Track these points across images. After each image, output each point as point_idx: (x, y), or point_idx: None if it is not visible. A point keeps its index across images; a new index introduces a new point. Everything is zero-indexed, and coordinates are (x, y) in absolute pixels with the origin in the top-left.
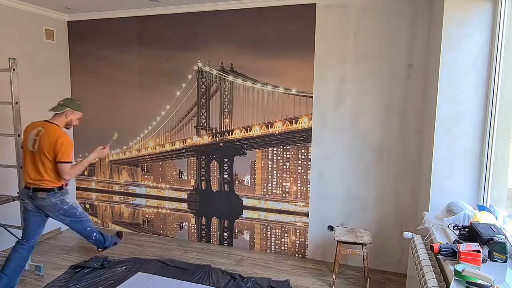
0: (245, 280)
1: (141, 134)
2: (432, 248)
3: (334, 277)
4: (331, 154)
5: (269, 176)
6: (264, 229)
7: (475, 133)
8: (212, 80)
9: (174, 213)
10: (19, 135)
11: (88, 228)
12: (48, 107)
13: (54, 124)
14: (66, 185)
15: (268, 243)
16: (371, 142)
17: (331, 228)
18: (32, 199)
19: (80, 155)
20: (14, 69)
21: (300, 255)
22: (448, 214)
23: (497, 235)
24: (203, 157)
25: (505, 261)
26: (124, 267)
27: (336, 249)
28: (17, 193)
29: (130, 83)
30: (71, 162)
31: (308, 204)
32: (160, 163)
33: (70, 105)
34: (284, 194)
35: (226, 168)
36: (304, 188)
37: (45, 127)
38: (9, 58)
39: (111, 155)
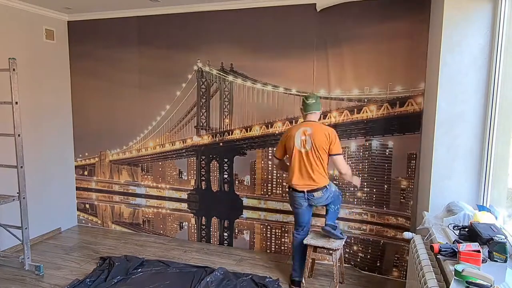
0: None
1: (141, 134)
2: (432, 248)
3: (303, 281)
4: None
5: (269, 176)
6: (264, 229)
7: (475, 133)
8: (212, 80)
9: (174, 213)
10: (19, 135)
11: (338, 210)
12: (48, 107)
13: (315, 122)
14: None
15: (268, 243)
16: None
17: (334, 227)
18: (308, 200)
19: (80, 155)
20: (14, 69)
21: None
22: (448, 214)
23: (497, 235)
24: (203, 157)
25: (505, 261)
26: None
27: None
28: (17, 193)
29: (130, 83)
30: (342, 155)
31: None
32: (160, 163)
33: (319, 103)
34: (284, 194)
35: (226, 168)
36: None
37: (309, 126)
38: (9, 58)
39: (111, 155)
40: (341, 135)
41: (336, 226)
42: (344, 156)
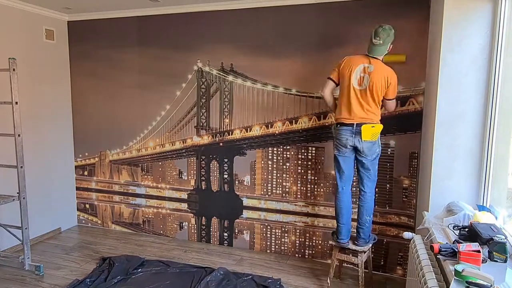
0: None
1: (141, 134)
2: (432, 248)
3: (329, 282)
4: None
5: (269, 176)
6: (264, 229)
7: (475, 133)
8: (212, 80)
9: (174, 213)
10: (19, 135)
11: (376, 188)
12: (48, 107)
13: (378, 59)
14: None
15: (268, 243)
16: None
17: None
18: (355, 138)
19: (80, 155)
20: (14, 69)
21: (300, 255)
22: (448, 214)
23: (497, 235)
24: (203, 157)
25: (505, 261)
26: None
27: (332, 254)
28: (17, 193)
29: (130, 83)
30: (395, 99)
31: (308, 204)
32: (160, 163)
33: (388, 40)
34: (284, 194)
35: (226, 168)
36: (304, 188)
37: (372, 63)
38: (9, 58)
39: (111, 155)
40: None
41: (373, 237)
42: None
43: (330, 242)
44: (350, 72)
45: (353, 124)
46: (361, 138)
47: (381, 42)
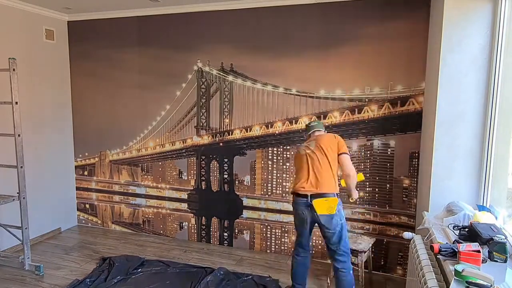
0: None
1: (141, 134)
2: (432, 248)
3: (328, 281)
4: None
5: (269, 176)
6: (264, 229)
7: (475, 133)
8: (212, 80)
9: (174, 213)
10: (19, 135)
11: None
12: (48, 107)
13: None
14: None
15: (268, 243)
16: None
17: None
18: (311, 210)
19: (80, 155)
20: (14, 69)
21: None
22: (448, 214)
23: (497, 235)
24: (203, 157)
25: (505, 261)
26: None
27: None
28: (17, 193)
29: (130, 83)
30: (348, 154)
31: None
32: (160, 163)
33: (321, 122)
34: (284, 194)
35: (226, 168)
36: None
37: (312, 139)
38: (9, 58)
39: (111, 155)
40: (342, 135)
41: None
42: None
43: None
44: (299, 153)
45: (307, 196)
46: (316, 212)
47: (316, 123)
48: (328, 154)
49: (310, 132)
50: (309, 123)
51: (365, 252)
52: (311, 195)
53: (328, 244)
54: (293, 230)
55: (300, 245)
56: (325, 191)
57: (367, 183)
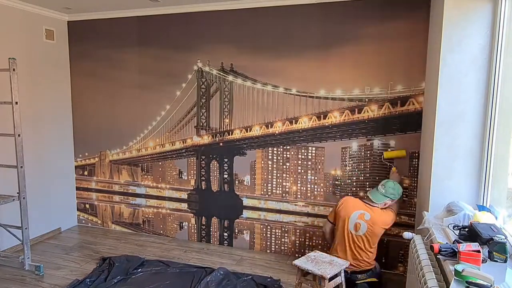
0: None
1: (141, 134)
2: (432, 248)
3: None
4: None
5: (269, 176)
6: (264, 229)
7: (475, 133)
8: (212, 80)
9: (174, 213)
10: (19, 135)
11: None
12: (48, 107)
13: (376, 207)
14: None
15: (268, 243)
16: None
17: None
18: (349, 279)
19: (80, 155)
20: (14, 69)
21: (300, 255)
22: (448, 214)
23: (497, 235)
24: (203, 157)
25: (505, 261)
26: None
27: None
28: (17, 193)
29: (130, 83)
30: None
31: (308, 204)
32: (160, 163)
33: (389, 195)
34: (284, 194)
35: (226, 168)
36: (304, 188)
37: (369, 211)
38: (9, 58)
39: (111, 155)
40: (342, 135)
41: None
42: (345, 156)
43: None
44: (347, 216)
45: (347, 271)
46: (358, 279)
47: (383, 191)
48: (374, 239)
49: (372, 198)
50: (382, 184)
51: (328, 278)
52: (351, 271)
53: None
54: (293, 230)
55: None
56: (366, 267)
57: (367, 183)
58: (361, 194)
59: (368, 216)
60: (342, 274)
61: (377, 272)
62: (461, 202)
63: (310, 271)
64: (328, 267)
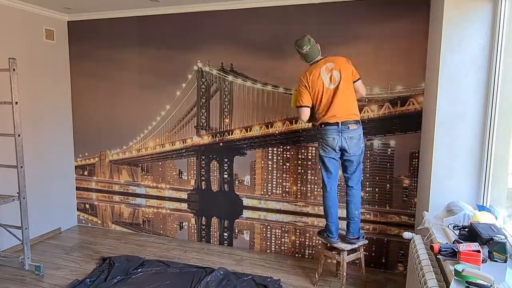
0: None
1: (141, 134)
2: (432, 248)
3: (317, 277)
4: None
5: (269, 176)
6: (264, 229)
7: (475, 133)
8: (212, 80)
9: (174, 213)
10: (19, 135)
11: (361, 188)
12: (48, 107)
13: (327, 56)
14: None
15: (268, 243)
16: None
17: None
18: (341, 135)
19: (80, 155)
20: (14, 69)
21: (300, 255)
22: (448, 214)
23: (497, 235)
24: (203, 157)
25: (505, 261)
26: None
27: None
28: (17, 193)
29: (130, 83)
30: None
31: (308, 204)
32: (160, 163)
33: (313, 44)
34: (284, 194)
35: (226, 168)
36: (304, 188)
37: (328, 61)
38: (9, 58)
39: (111, 155)
40: None
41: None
42: None
43: (320, 239)
44: (321, 79)
45: (338, 123)
46: (347, 137)
47: (308, 47)
48: (350, 85)
49: (312, 61)
50: (301, 48)
51: (352, 250)
52: (341, 122)
53: (347, 167)
54: (293, 230)
55: (328, 185)
56: (354, 118)
57: (367, 183)
58: (361, 194)
59: (331, 64)
60: (361, 250)
61: (361, 146)
62: (461, 202)
63: (338, 246)
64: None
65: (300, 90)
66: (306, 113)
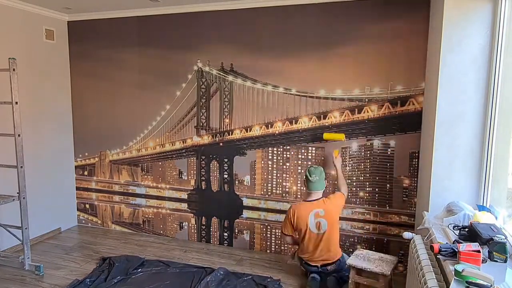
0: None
1: (141, 134)
2: (432, 248)
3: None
4: None
5: (269, 176)
6: (264, 229)
7: (475, 133)
8: (212, 80)
9: (174, 213)
10: (19, 135)
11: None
12: (48, 107)
13: (321, 200)
14: None
15: (268, 243)
16: None
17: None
18: (320, 272)
19: (80, 155)
20: (14, 69)
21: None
22: (448, 214)
23: (497, 235)
24: (203, 157)
25: (505, 261)
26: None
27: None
28: (17, 193)
29: (130, 83)
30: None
31: None
32: (160, 163)
33: (323, 176)
34: (284, 194)
35: (226, 168)
36: (304, 188)
37: (321, 206)
38: (9, 58)
39: (111, 155)
40: None
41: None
42: (345, 156)
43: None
44: (305, 222)
45: (317, 266)
46: (328, 271)
47: (317, 178)
48: (337, 224)
49: (311, 191)
50: (310, 175)
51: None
52: (321, 265)
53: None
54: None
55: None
56: (334, 259)
57: (367, 183)
58: (361, 194)
59: (322, 211)
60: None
61: (344, 262)
62: (461, 202)
63: (368, 269)
64: (382, 263)
65: (285, 220)
66: (288, 240)
